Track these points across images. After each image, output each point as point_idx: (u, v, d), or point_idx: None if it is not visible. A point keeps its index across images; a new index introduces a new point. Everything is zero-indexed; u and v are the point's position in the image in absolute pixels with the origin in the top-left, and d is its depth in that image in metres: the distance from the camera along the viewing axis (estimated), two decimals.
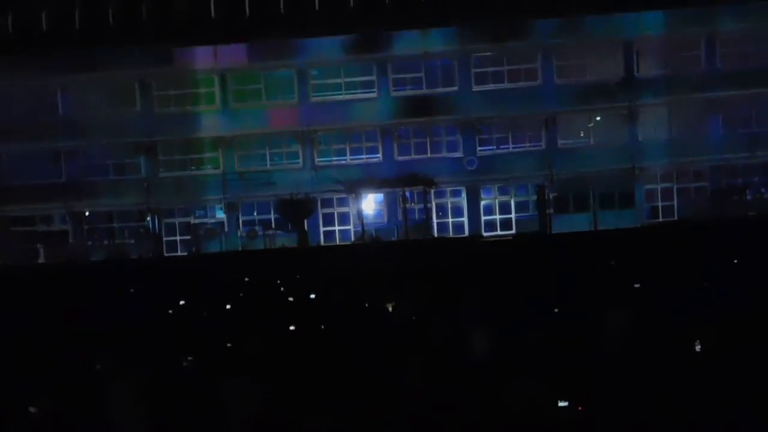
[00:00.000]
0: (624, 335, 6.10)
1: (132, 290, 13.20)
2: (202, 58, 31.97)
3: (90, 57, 31.50)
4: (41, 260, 31.24)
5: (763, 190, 30.88)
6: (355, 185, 30.91)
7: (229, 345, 6.85)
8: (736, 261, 11.46)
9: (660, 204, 31.48)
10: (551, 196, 31.14)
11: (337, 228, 32.05)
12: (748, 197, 30.45)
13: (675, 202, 31.41)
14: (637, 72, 31.55)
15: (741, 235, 16.41)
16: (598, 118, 31.94)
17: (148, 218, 32.06)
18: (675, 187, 31.58)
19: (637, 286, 9.24)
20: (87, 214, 32.38)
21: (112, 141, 31.78)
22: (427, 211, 31.25)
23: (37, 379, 6.04)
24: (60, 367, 6.39)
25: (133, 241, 31.50)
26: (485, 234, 30.88)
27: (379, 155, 32.08)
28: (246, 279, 13.82)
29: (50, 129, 31.71)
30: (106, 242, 31.50)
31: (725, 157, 30.83)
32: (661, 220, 30.94)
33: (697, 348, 5.76)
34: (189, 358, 6.45)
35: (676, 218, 30.66)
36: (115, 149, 32.08)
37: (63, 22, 31.40)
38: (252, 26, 31.60)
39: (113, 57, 31.51)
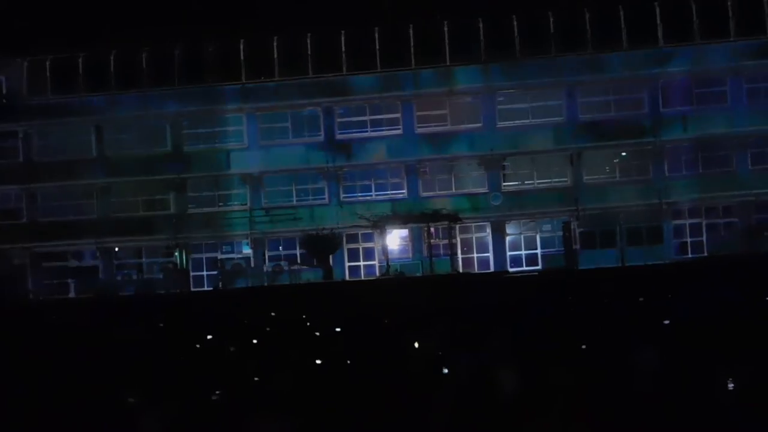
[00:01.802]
0: (653, 373, 6.02)
1: (160, 324, 13.36)
2: (231, 97, 32.76)
3: (123, 98, 32.53)
4: (72, 294, 31.74)
5: None
6: (380, 221, 31.08)
7: (256, 379, 6.90)
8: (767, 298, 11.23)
9: (689, 240, 31.06)
10: (577, 231, 30.92)
11: (362, 263, 32.13)
12: None
13: (704, 238, 30.95)
14: (663, 108, 31.49)
15: None
16: (623, 154, 31.83)
17: (176, 254, 32.51)
18: (704, 223, 31.16)
19: (666, 322, 9.11)
20: (117, 249, 32.96)
21: (143, 178, 32.51)
22: (452, 247, 31.21)
23: (67, 414, 6.14)
24: (89, 402, 6.50)
25: (161, 276, 31.91)
26: (511, 269, 30.68)
27: (404, 191, 32.28)
28: (272, 314, 13.91)
29: (83, 167, 32.59)
30: (135, 277, 31.96)
31: (754, 193, 30.42)
32: (690, 256, 30.47)
33: (730, 386, 5.66)
34: (217, 392, 6.51)
35: (705, 254, 30.16)
36: (145, 186, 32.78)
37: (98, 64, 32.51)
38: (279, 65, 32.33)
39: (145, 98, 32.49)
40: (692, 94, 31.27)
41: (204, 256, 32.77)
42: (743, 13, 30.52)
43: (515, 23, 31.45)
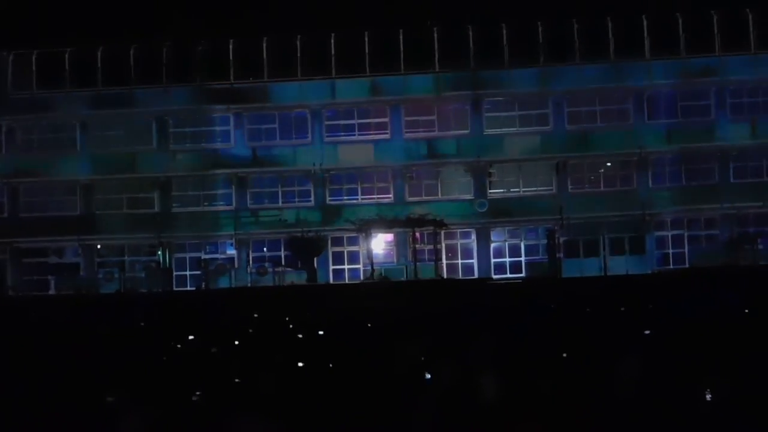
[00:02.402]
0: (633, 382, 6.08)
1: (141, 324, 13.25)
2: (218, 96, 32.62)
3: (109, 95, 32.28)
4: (51, 291, 31.38)
5: None
6: (366, 225, 31.06)
7: (237, 380, 6.87)
8: (747, 310, 11.39)
9: (671, 251, 31.36)
10: (561, 240, 31.11)
11: (346, 266, 32.08)
12: (760, 246, 30.27)
13: (686, 250, 31.27)
14: (648, 119, 31.81)
15: (752, 284, 16.29)
16: (608, 164, 32.10)
17: (159, 252, 32.26)
18: (686, 235, 31.49)
19: (647, 332, 9.19)
20: (99, 247, 32.64)
21: (127, 176, 32.25)
22: (436, 252, 31.26)
23: (46, 414, 6.07)
24: (69, 401, 6.43)
25: (143, 274, 31.64)
26: (495, 276, 30.78)
27: (390, 195, 32.30)
28: (255, 315, 13.85)
29: (67, 163, 32.28)
30: (116, 275, 31.65)
31: (736, 206, 30.79)
32: (672, 267, 30.76)
33: (708, 397, 5.72)
34: (197, 393, 6.47)
35: (687, 265, 30.47)
36: (129, 184, 32.51)
37: (84, 60, 32.25)
38: (268, 66, 32.27)
39: (132, 95, 32.27)
40: (677, 106, 31.64)
41: (188, 255, 32.55)
42: (728, 29, 30.96)
43: (504, 31, 31.64)
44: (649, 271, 28.92)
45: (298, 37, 31.94)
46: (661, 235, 31.53)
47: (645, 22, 31.46)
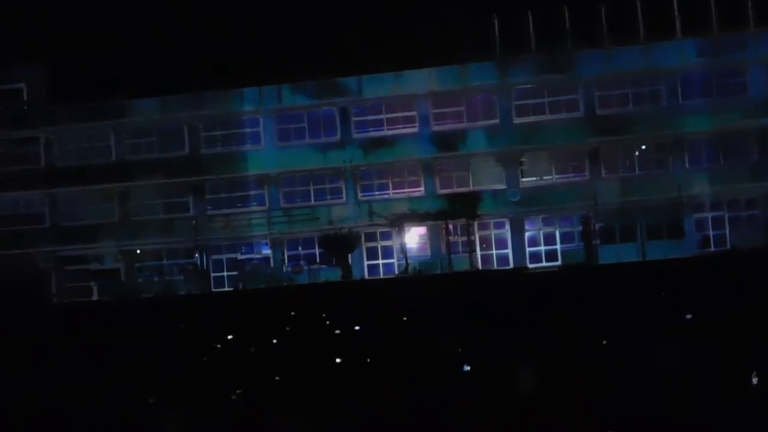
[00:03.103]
0: (675, 367, 5.96)
1: (181, 325, 13.48)
2: (247, 99, 32.94)
3: (139, 103, 32.88)
4: (94, 297, 32.13)
5: None
6: (399, 219, 31.03)
7: (277, 378, 6.94)
8: None
9: (711, 233, 30.61)
10: (597, 226, 30.63)
11: (380, 262, 32.11)
12: None
13: (727, 231, 30.50)
14: (682, 100, 31.08)
15: None
16: (643, 147, 31.47)
17: (196, 255, 32.76)
18: (726, 216, 30.71)
19: (688, 317, 9.01)
20: (138, 252, 33.30)
21: (162, 181, 32.80)
22: (470, 244, 31.08)
23: (89, 414, 6.21)
24: (113, 402, 6.57)
25: (182, 277, 32.18)
26: (530, 265, 30.48)
27: (421, 189, 32.21)
28: (292, 313, 13.97)
29: (103, 171, 32.98)
30: (156, 279, 32.25)
31: None
32: (713, 249, 30.04)
33: (754, 381, 5.58)
34: (238, 391, 6.56)
35: (728, 247, 29.72)
36: (164, 189, 33.07)
37: (116, 70, 32.86)
38: (295, 66, 32.44)
39: (162, 102, 32.82)
40: (711, 85, 30.83)
41: (224, 257, 32.98)
42: (760, 3, 30.01)
43: (530, 18, 31.22)
44: (689, 255, 28.28)
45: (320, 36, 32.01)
46: (701, 218, 30.80)
47: (675, 2, 30.70)
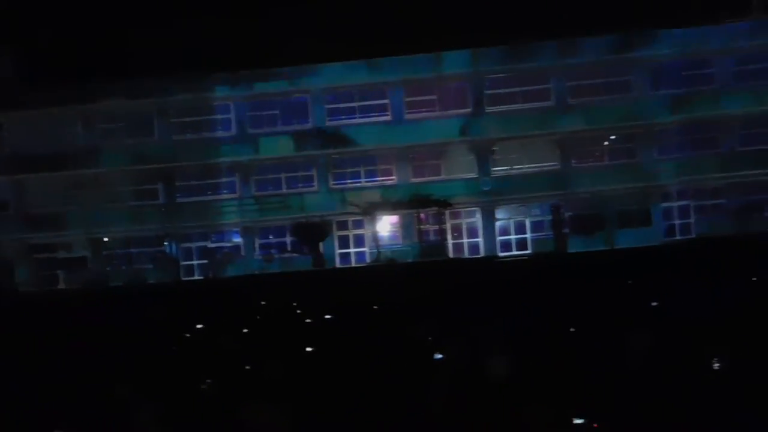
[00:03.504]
0: (641, 353, 6.08)
1: (150, 314, 13.33)
2: (218, 85, 32.51)
3: (109, 87, 32.21)
4: (61, 286, 31.59)
5: None
6: (370, 208, 31.03)
7: (247, 368, 6.90)
8: (755, 278, 11.35)
9: (677, 222, 31.23)
10: (567, 215, 31.02)
11: (352, 250, 32.12)
12: (767, 214, 30.12)
13: (692, 220, 31.15)
14: (651, 90, 31.53)
15: (760, 252, 16.23)
16: (612, 137, 31.90)
17: (166, 243, 32.37)
18: (692, 205, 31.35)
19: (654, 304, 9.19)
20: (106, 240, 32.78)
21: (131, 168, 32.28)
22: (442, 233, 31.23)
23: (57, 405, 6.12)
24: (80, 392, 6.47)
25: (151, 266, 31.79)
26: (501, 254, 30.78)
27: (393, 177, 32.23)
28: (263, 302, 13.90)
29: (71, 157, 32.31)
30: (124, 267, 31.81)
31: (742, 174, 30.59)
32: (678, 237, 30.67)
33: (715, 366, 5.72)
34: (207, 381, 6.51)
35: (693, 236, 30.37)
36: (133, 176, 32.55)
37: (82, 52, 32.14)
38: (266, 53, 32.12)
39: (132, 86, 32.20)
40: (681, 76, 31.33)
41: (194, 245, 32.65)
42: None
43: (503, 7, 31.35)
44: (656, 243, 28.83)
45: (294, 21, 31.70)
46: (668, 207, 31.39)
47: None
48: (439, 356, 6.67)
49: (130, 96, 32.27)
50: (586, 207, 31.02)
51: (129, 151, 32.18)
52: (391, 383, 5.90)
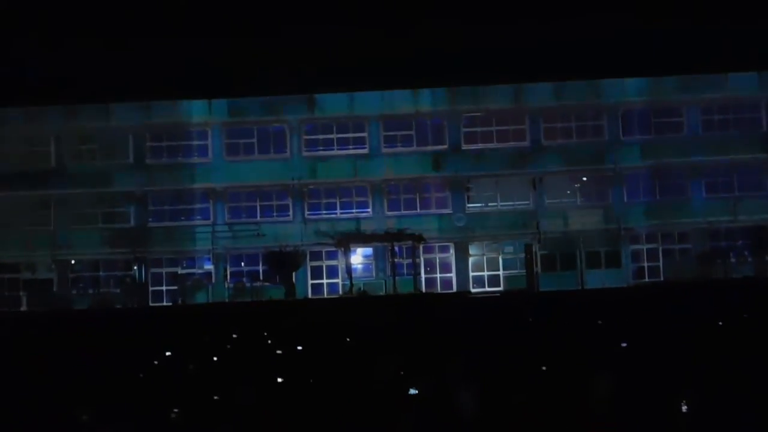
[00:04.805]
0: (611, 394, 6.14)
1: (116, 340, 13.05)
2: (196, 110, 32.51)
3: (84, 108, 31.98)
4: (24, 308, 30.78)
5: (746, 253, 31.29)
6: (345, 239, 31.04)
7: (216, 397, 6.80)
8: (721, 323, 11.58)
9: (646, 264, 31.78)
10: (539, 254, 31.38)
11: (325, 281, 31.98)
12: (732, 260, 30.83)
13: (660, 263, 31.73)
14: (622, 135, 32.36)
15: (725, 298, 16.57)
16: (584, 179, 32.54)
17: (135, 268, 31.86)
18: (660, 248, 31.96)
19: (624, 345, 9.30)
20: (73, 262, 32.14)
21: (103, 190, 31.89)
22: (415, 266, 31.32)
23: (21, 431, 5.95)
24: (43, 420, 6.31)
25: (118, 290, 31.21)
26: (473, 290, 30.91)
27: (369, 210, 32.34)
28: (233, 330, 13.72)
29: (41, 177, 31.83)
30: (91, 291, 31.16)
31: (709, 220, 31.36)
32: (647, 280, 31.16)
33: (684, 409, 5.81)
34: (175, 410, 6.39)
35: (661, 278, 30.90)
36: (104, 198, 32.14)
37: (59, 74, 31.96)
38: (246, 81, 32.31)
39: (108, 109, 32.03)
40: (650, 123, 32.24)
41: (164, 270, 32.19)
42: (700, 48, 31.76)
43: (482, 48, 32.11)
44: (625, 285, 29.25)
45: (277, 50, 32.01)
46: (636, 249, 31.96)
47: (619, 42, 32.11)
48: (414, 391, 6.66)
49: (105, 118, 32.06)
50: (557, 246, 31.43)
51: (101, 173, 31.83)
52: (362, 416, 5.87)
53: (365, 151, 32.42)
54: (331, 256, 31.96)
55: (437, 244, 32.09)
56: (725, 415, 5.48)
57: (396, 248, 31.41)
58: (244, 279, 31.48)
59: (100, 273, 32.15)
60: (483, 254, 32.26)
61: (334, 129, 32.55)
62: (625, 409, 5.78)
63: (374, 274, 31.74)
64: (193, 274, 32.13)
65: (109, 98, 31.83)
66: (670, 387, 6.27)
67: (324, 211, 32.36)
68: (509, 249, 32.13)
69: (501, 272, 31.86)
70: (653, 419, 5.48)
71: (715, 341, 9.30)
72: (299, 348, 10.27)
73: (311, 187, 32.26)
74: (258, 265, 31.82)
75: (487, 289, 31.13)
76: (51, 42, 32.39)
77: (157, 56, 32.08)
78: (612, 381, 6.44)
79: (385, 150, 32.39)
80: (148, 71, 32.13)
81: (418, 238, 31.07)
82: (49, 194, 31.96)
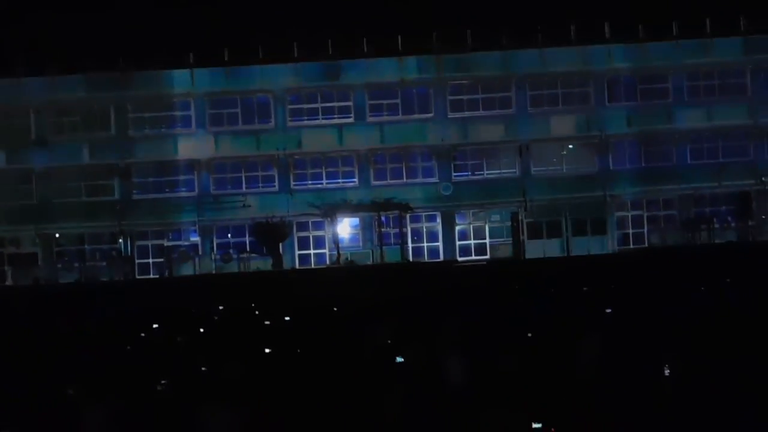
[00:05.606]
0: (596, 359, 6.21)
1: (103, 313, 13.02)
2: (179, 81, 31.96)
3: (66, 80, 31.32)
4: (8, 282, 30.55)
5: (729, 218, 31.60)
6: (331, 209, 30.93)
7: (203, 369, 6.80)
8: (703, 288, 11.74)
9: (631, 231, 32.01)
10: (525, 222, 31.50)
11: (312, 251, 31.95)
12: (716, 226, 31.14)
13: (645, 230, 31.98)
14: (608, 102, 32.29)
15: (708, 263, 16.78)
16: (570, 146, 32.53)
17: (121, 240, 31.63)
18: (645, 215, 32.18)
19: (608, 311, 9.40)
20: (57, 236, 31.84)
21: (86, 163, 31.45)
22: (402, 236, 31.34)
23: (8, 405, 5.93)
24: (28, 393, 6.29)
25: (104, 263, 31.01)
26: (460, 259, 31.05)
27: (355, 180, 32.19)
28: (220, 302, 13.72)
29: (22, 150, 31.30)
30: (76, 265, 30.94)
31: (693, 187, 31.56)
32: (632, 246, 31.43)
33: (666, 372, 5.88)
34: (163, 381, 6.39)
35: (646, 245, 31.17)
36: (88, 171, 31.72)
37: (38, 44, 31.18)
38: (230, 51, 31.72)
39: (89, 80, 31.38)
40: (636, 90, 32.17)
41: (150, 243, 31.98)
42: (685, 14, 31.55)
43: (469, 15, 31.67)
44: (611, 251, 29.50)
45: (262, 22, 31.43)
46: (622, 216, 32.15)
47: (607, 8, 31.81)
48: (401, 359, 6.69)
49: (87, 89, 31.42)
50: (544, 214, 31.54)
51: (84, 146, 31.34)
52: (350, 385, 5.89)
53: (351, 120, 32.15)
54: (318, 226, 31.89)
55: (424, 214, 32.09)
56: (707, 378, 5.56)
57: (383, 218, 31.38)
58: (231, 250, 31.38)
59: (86, 246, 31.90)
60: (470, 223, 32.33)
61: (319, 98, 32.19)
62: (609, 373, 5.84)
63: (361, 244, 31.75)
64: (180, 246, 31.98)
65: (90, 68, 31.17)
66: (654, 351, 6.35)
67: (310, 182, 32.18)
68: (496, 217, 32.22)
69: (488, 241, 31.99)
70: (637, 383, 5.55)
71: (698, 306, 9.42)
72: (287, 319, 10.28)
73: (297, 157, 32.02)
74: (245, 236, 31.71)
75: (474, 257, 31.28)
76: (26, 11, 31.56)
77: (138, 24, 31.39)
78: (597, 346, 6.50)
79: (370, 119, 32.13)
80: (130, 40, 31.46)
81: (405, 208, 31.04)
82: (30, 168, 31.47)
